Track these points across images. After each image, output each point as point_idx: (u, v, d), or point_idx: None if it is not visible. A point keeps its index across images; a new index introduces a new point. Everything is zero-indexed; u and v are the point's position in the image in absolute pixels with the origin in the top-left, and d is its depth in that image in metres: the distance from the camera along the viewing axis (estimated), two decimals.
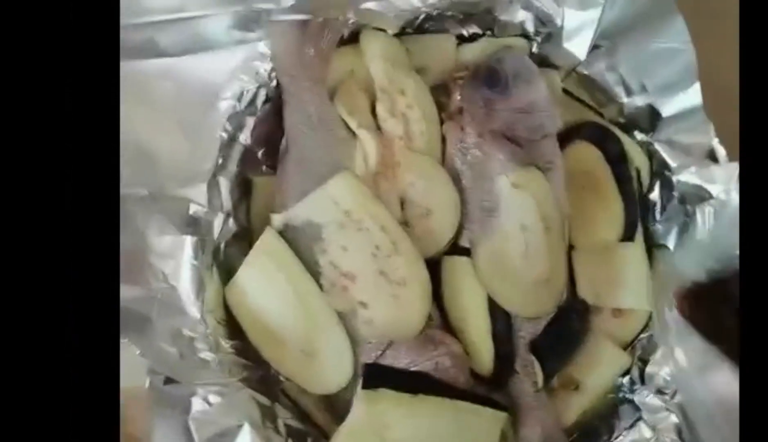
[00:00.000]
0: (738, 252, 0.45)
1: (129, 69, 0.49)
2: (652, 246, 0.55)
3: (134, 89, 0.50)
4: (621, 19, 0.52)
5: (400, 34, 0.55)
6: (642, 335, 0.54)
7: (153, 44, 0.52)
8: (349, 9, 0.53)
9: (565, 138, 0.55)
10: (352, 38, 0.55)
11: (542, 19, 0.55)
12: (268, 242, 0.50)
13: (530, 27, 0.56)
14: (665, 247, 0.54)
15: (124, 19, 0.49)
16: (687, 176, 0.52)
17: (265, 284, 0.50)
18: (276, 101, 0.54)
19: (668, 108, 0.53)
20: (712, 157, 0.51)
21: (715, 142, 0.51)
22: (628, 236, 0.54)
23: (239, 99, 0.53)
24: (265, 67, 0.53)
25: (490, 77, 0.53)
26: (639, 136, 0.56)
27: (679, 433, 0.47)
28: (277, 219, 0.50)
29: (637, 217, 0.54)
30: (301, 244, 0.50)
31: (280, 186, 0.52)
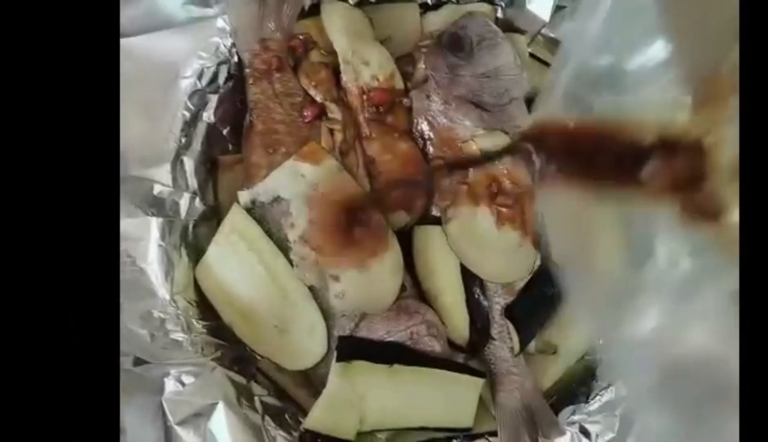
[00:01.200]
0: None
1: None
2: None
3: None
4: None
5: (362, 3, 0.55)
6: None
7: None
8: None
9: (533, 101, 0.54)
10: (313, 10, 0.55)
11: None
12: (236, 220, 0.50)
13: None
14: None
15: None
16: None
17: (235, 262, 0.50)
18: (238, 78, 0.54)
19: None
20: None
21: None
22: None
23: (200, 77, 0.53)
24: (225, 43, 0.53)
25: (454, 43, 0.53)
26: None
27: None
28: (245, 196, 0.50)
29: None
30: (269, 220, 0.50)
31: (245, 162, 0.52)
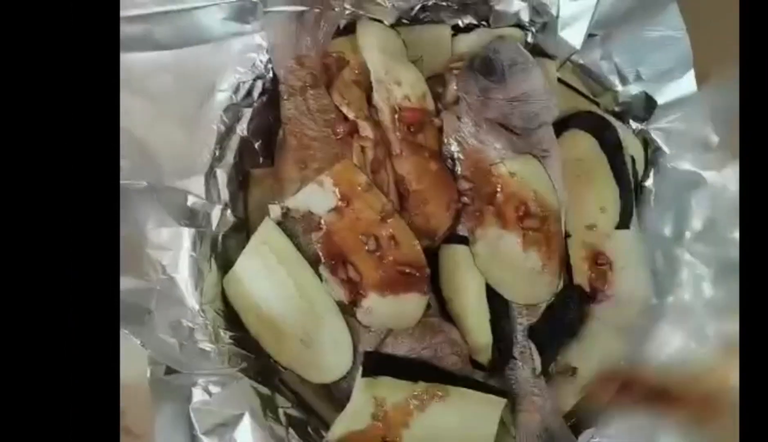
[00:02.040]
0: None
1: (126, 62, 0.50)
2: (647, 235, 0.55)
3: (132, 82, 0.50)
4: (616, 7, 0.53)
5: (396, 24, 0.56)
6: (638, 321, 0.55)
7: (150, 37, 0.52)
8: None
9: (560, 126, 0.56)
10: (349, 29, 0.56)
11: (538, 9, 0.56)
12: (266, 233, 0.51)
13: (525, 17, 0.57)
14: (661, 235, 0.54)
15: (120, 11, 0.50)
16: (682, 163, 0.52)
17: (264, 274, 0.51)
18: (273, 93, 0.55)
19: (663, 96, 0.54)
20: (706, 144, 0.52)
21: (709, 130, 0.52)
22: (623, 224, 0.55)
23: (236, 91, 0.54)
24: (261, 58, 0.54)
25: (485, 67, 0.54)
26: (634, 124, 0.57)
27: None
28: (275, 210, 0.51)
29: (633, 204, 0.55)
30: (299, 234, 0.51)
31: (277, 177, 0.53)
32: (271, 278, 0.51)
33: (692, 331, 0.51)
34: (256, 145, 0.56)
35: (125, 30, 0.51)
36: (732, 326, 0.46)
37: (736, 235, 0.48)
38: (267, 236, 0.51)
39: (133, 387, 0.46)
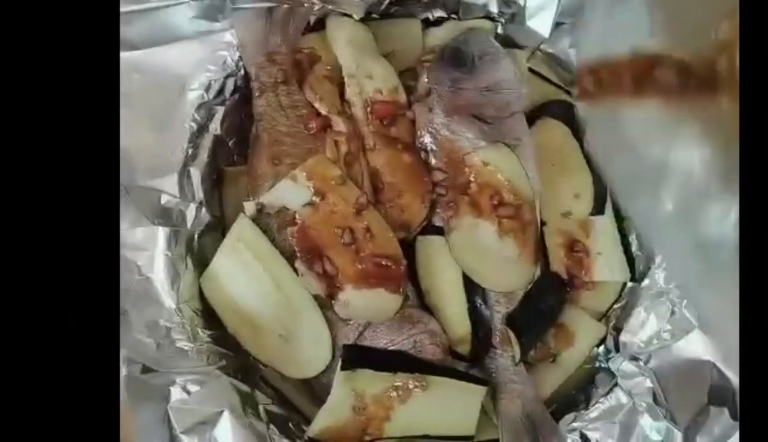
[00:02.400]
0: None
1: None
2: (622, 219, 0.56)
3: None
4: None
5: (366, 19, 0.56)
6: (616, 305, 0.55)
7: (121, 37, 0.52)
8: None
9: (532, 115, 0.56)
10: (318, 25, 0.56)
11: (506, 0, 0.56)
12: (241, 230, 0.51)
13: (494, 8, 0.57)
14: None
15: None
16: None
17: (240, 271, 0.51)
18: (244, 90, 0.55)
19: None
20: None
21: None
22: (598, 210, 0.56)
23: (207, 89, 0.54)
24: (232, 56, 0.54)
25: (456, 58, 0.54)
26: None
27: (654, 397, 0.49)
28: (250, 206, 0.51)
29: (607, 190, 0.55)
30: (274, 230, 0.51)
31: (251, 173, 0.53)
32: (247, 274, 0.51)
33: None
34: (230, 143, 0.56)
35: None
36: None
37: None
38: (242, 233, 0.51)
39: None
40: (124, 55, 0.52)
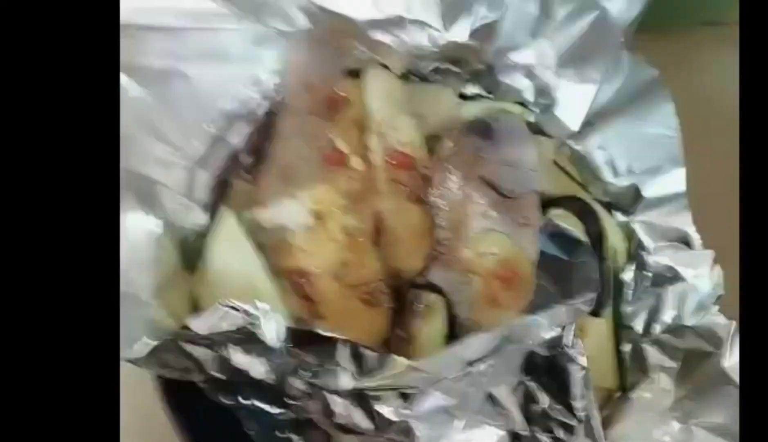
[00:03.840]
0: None
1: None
2: (620, 326, 0.55)
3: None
4: (615, 99, 0.56)
5: (404, 78, 0.59)
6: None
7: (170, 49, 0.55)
8: (362, 40, 0.57)
9: (548, 205, 0.57)
10: (356, 71, 0.59)
11: (542, 90, 0.59)
12: (230, 230, 0.51)
13: (530, 96, 0.60)
14: (632, 328, 0.54)
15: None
16: (662, 258, 0.53)
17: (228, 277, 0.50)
18: (274, 116, 0.57)
19: (650, 189, 0.55)
20: (688, 242, 0.53)
21: (692, 230, 0.53)
22: (596, 312, 0.55)
23: (238, 102, 0.56)
24: (273, 80, 0.56)
25: (483, 129, 0.56)
26: (620, 217, 0.58)
27: None
28: (248, 214, 0.51)
29: (609, 294, 0.55)
30: (266, 245, 0.51)
31: (258, 189, 0.54)
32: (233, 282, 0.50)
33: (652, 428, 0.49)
34: (246, 161, 0.57)
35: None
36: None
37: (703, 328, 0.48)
38: (231, 235, 0.50)
39: None
40: (170, 63, 0.54)
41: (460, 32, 0.56)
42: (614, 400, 0.53)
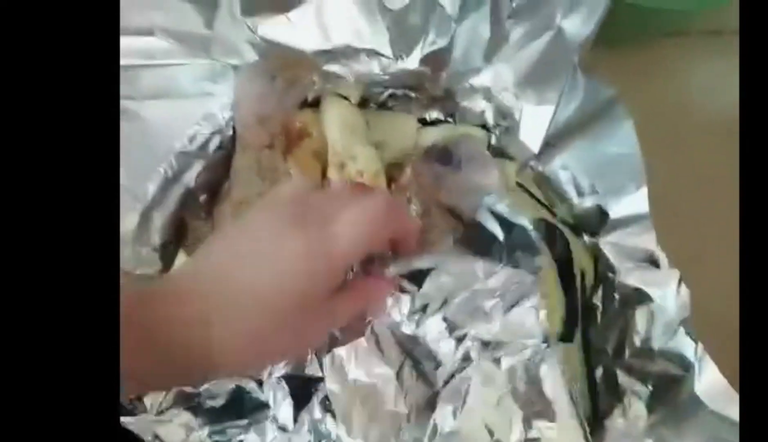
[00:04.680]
0: None
1: None
2: (591, 351, 0.54)
3: None
4: (574, 118, 0.56)
5: (363, 106, 0.59)
6: None
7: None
8: (315, 71, 0.56)
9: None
10: (315, 102, 0.58)
11: (502, 112, 0.58)
12: None
13: (490, 118, 0.59)
14: (604, 352, 0.53)
15: None
16: (629, 279, 0.52)
17: None
18: (228, 150, 0.56)
19: (616, 210, 0.54)
20: (654, 262, 0.52)
21: (658, 250, 0.52)
22: (567, 337, 0.54)
23: (191, 140, 0.55)
24: (224, 114, 0.56)
25: (443, 156, 0.56)
26: (587, 239, 0.57)
27: None
28: None
29: (578, 319, 0.54)
30: None
31: (213, 225, 0.53)
32: None
33: None
34: (201, 198, 0.56)
35: None
36: None
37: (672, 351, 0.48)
38: None
39: None
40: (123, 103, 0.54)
41: (411, 60, 0.55)
42: (590, 425, 0.52)
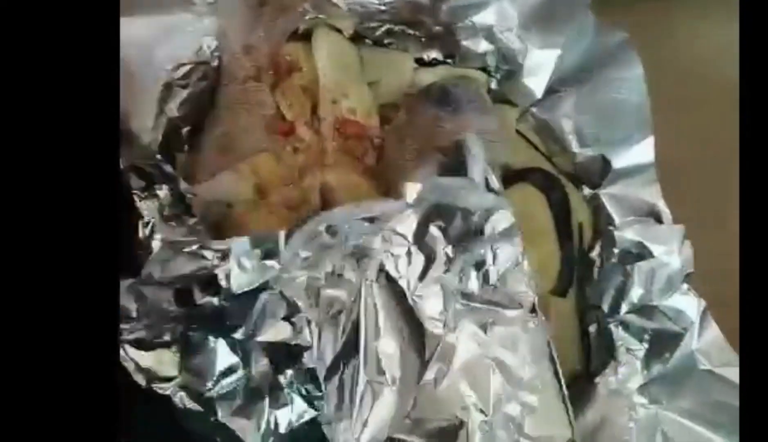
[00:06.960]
0: None
1: None
2: (586, 306, 0.53)
3: None
4: (580, 64, 0.54)
5: (357, 41, 0.56)
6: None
7: None
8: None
9: (511, 179, 0.55)
10: (306, 35, 0.56)
11: (505, 55, 0.56)
12: None
13: (492, 61, 0.57)
14: (599, 308, 0.52)
15: None
16: (630, 233, 0.51)
17: None
18: (213, 81, 0.54)
19: (619, 160, 0.53)
20: (657, 217, 0.51)
21: (661, 204, 0.51)
22: (560, 291, 0.53)
23: (176, 69, 0.53)
24: (208, 44, 0.54)
25: (442, 97, 0.54)
26: (587, 190, 0.56)
27: None
28: (186, 187, 0.48)
29: (573, 273, 0.53)
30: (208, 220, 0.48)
31: (197, 161, 0.51)
32: None
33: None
34: (184, 130, 0.54)
35: None
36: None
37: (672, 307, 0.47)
38: None
39: None
40: None
41: None
42: (580, 383, 0.52)
